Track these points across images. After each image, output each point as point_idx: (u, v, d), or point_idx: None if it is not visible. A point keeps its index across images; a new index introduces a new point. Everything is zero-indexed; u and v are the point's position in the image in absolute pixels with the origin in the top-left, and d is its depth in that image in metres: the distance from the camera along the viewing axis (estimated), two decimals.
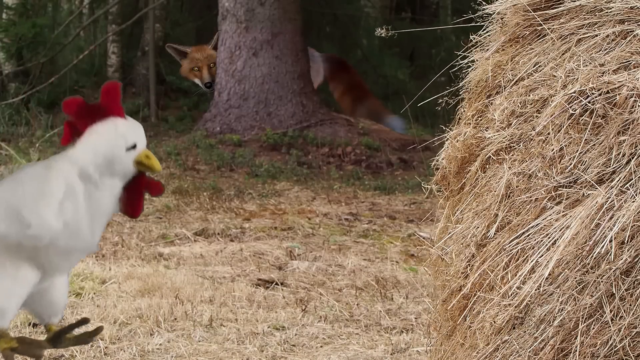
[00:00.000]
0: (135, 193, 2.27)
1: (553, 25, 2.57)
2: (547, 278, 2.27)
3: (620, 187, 2.27)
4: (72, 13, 10.08)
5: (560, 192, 2.35)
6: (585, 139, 2.35)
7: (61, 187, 2.19)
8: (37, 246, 2.19)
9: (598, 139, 2.34)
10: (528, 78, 2.54)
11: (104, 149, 2.23)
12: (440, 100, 2.82)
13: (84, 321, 2.37)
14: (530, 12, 2.61)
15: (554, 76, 2.47)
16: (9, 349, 2.25)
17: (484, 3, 2.71)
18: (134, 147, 2.24)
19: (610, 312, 2.19)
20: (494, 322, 2.33)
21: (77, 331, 2.39)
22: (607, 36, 2.46)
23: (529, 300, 2.28)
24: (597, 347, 2.19)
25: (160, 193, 2.30)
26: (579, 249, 2.25)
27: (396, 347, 3.84)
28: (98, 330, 2.38)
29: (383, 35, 3.07)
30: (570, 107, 2.38)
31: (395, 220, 6.00)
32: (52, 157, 2.29)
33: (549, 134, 2.40)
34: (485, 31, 2.74)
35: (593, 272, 2.23)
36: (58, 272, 2.29)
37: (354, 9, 11.12)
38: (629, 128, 2.31)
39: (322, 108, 7.97)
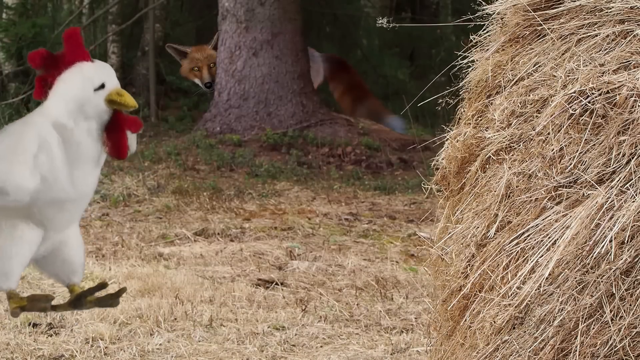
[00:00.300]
0: (117, 133, 2.27)
1: (553, 25, 2.57)
2: (547, 278, 2.27)
3: (620, 187, 2.27)
4: (72, 13, 10.08)
5: (560, 192, 2.35)
6: (585, 139, 2.35)
7: (35, 141, 2.21)
8: (22, 206, 2.21)
9: (598, 139, 2.34)
10: (528, 78, 2.54)
11: (72, 94, 2.25)
12: (440, 100, 2.81)
13: (103, 285, 2.37)
14: (530, 12, 2.61)
15: (554, 76, 2.47)
16: (18, 308, 2.27)
17: (483, 3, 2.71)
18: (102, 86, 2.25)
19: (610, 312, 2.19)
20: (494, 322, 2.33)
21: (100, 294, 2.39)
22: (607, 36, 2.46)
23: (529, 300, 2.28)
24: (597, 347, 2.19)
25: (139, 128, 2.30)
26: (579, 249, 2.25)
27: (396, 347, 3.84)
28: (121, 291, 2.38)
29: (384, 25, 3.07)
30: (570, 107, 2.38)
31: (395, 220, 6.00)
32: (29, 113, 2.30)
33: (549, 134, 2.40)
34: (485, 31, 2.73)
35: (593, 272, 2.23)
36: (60, 225, 2.30)
37: (354, 9, 11.12)
38: (629, 128, 2.31)
39: (322, 108, 7.97)
